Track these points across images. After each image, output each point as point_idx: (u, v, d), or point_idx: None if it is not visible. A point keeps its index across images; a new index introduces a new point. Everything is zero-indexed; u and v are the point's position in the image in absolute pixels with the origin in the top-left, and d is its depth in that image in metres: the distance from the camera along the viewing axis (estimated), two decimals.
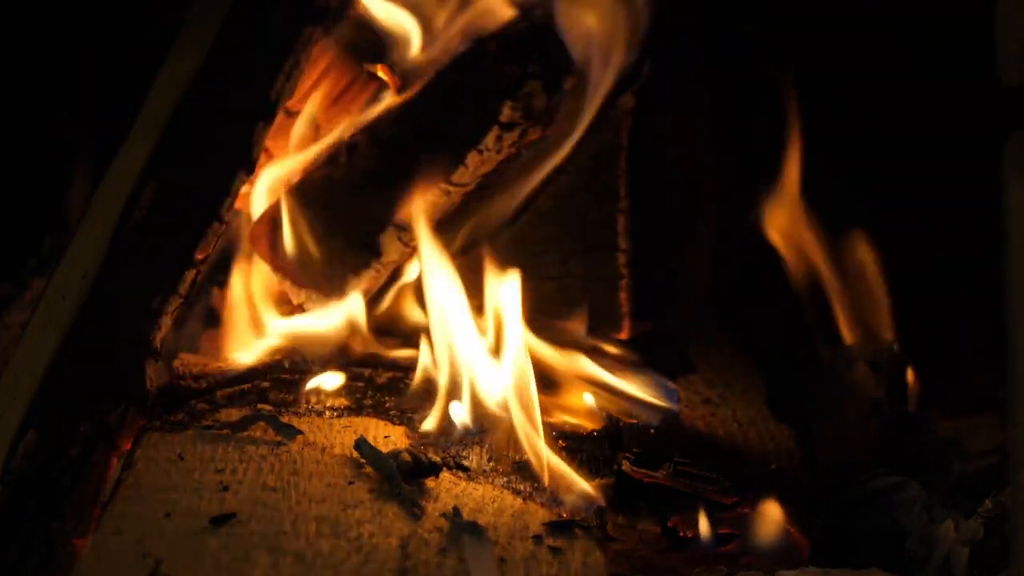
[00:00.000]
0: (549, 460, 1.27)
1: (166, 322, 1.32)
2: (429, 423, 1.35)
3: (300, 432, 1.30)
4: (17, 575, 1.13)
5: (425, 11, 1.52)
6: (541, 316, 1.47)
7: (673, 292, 1.60)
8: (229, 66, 1.40)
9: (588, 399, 1.41)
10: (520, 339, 1.34)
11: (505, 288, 1.37)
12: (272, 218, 1.57)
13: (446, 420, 1.35)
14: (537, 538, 1.14)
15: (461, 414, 1.34)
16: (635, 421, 1.39)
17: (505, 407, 1.32)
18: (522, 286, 1.38)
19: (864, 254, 1.55)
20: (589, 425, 1.38)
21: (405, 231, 1.51)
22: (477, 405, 1.34)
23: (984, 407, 1.45)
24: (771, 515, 1.25)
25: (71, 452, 1.22)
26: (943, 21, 1.52)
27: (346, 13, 1.48)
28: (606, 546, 1.16)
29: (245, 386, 1.44)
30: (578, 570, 1.10)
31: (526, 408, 1.30)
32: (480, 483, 1.25)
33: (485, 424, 1.33)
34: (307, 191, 1.55)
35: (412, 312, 1.58)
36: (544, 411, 1.34)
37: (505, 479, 1.26)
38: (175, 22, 1.43)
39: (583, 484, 1.25)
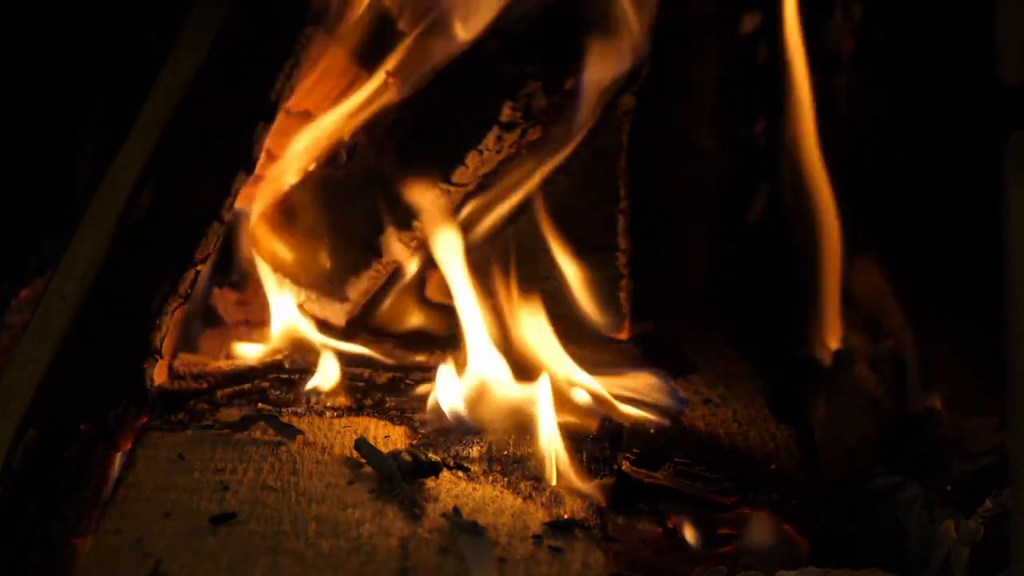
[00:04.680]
0: (557, 460, 1.27)
1: (166, 322, 1.32)
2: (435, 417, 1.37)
3: (300, 432, 1.30)
4: (17, 575, 1.13)
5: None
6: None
7: (673, 292, 1.60)
8: (229, 66, 1.40)
9: (586, 398, 1.41)
10: (547, 334, 1.35)
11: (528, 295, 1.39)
12: (272, 218, 1.57)
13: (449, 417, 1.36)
14: (537, 538, 1.14)
15: (462, 411, 1.35)
16: (636, 421, 1.39)
17: (526, 404, 1.33)
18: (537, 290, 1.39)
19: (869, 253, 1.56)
20: (589, 425, 1.38)
21: (405, 231, 1.51)
22: (490, 402, 1.35)
23: (984, 407, 1.45)
24: (770, 515, 1.25)
25: (71, 452, 1.22)
26: (943, 21, 1.52)
27: (346, 13, 1.48)
28: (606, 546, 1.16)
29: (245, 386, 1.44)
30: (578, 570, 1.10)
31: (545, 406, 1.31)
32: (480, 483, 1.25)
33: (492, 423, 1.33)
34: (307, 191, 1.55)
35: (413, 312, 1.58)
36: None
37: (505, 479, 1.26)
38: (175, 22, 1.43)
39: (582, 484, 1.25)
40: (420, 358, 1.53)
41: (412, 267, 1.55)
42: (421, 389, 1.44)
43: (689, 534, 1.23)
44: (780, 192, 1.61)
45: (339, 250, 1.54)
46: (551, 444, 1.28)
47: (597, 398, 1.41)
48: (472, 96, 1.48)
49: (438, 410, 1.36)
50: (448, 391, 1.37)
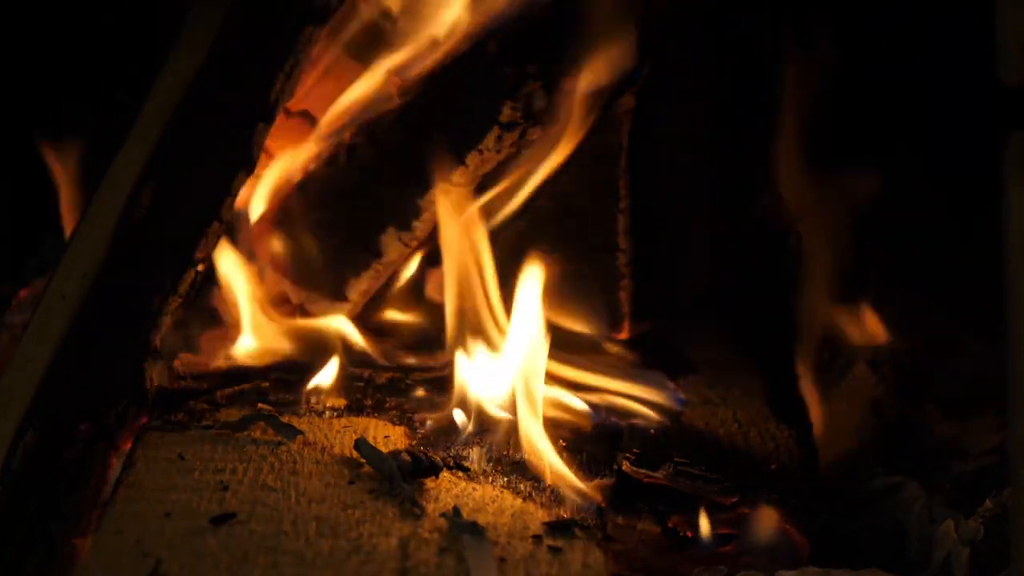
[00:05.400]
0: (551, 460, 1.27)
1: (166, 322, 1.32)
2: (434, 420, 1.36)
3: (300, 432, 1.30)
4: (17, 575, 1.13)
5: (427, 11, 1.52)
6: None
7: (673, 292, 1.60)
8: (229, 66, 1.40)
9: (586, 401, 1.41)
10: (535, 336, 1.34)
11: (524, 284, 1.37)
12: (272, 218, 1.57)
13: (449, 419, 1.35)
14: (537, 538, 1.14)
15: (462, 415, 1.35)
16: (636, 421, 1.39)
17: (509, 406, 1.32)
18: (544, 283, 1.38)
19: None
20: (589, 425, 1.38)
21: (405, 231, 1.51)
22: (480, 405, 1.34)
23: (984, 407, 1.45)
24: (770, 515, 1.25)
25: (71, 452, 1.22)
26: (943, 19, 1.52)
27: (346, 13, 1.48)
28: (606, 546, 1.16)
29: (245, 386, 1.44)
30: (578, 570, 1.10)
31: (531, 407, 1.30)
32: (480, 483, 1.25)
33: (487, 425, 1.33)
34: (307, 191, 1.55)
35: (413, 312, 1.58)
36: (545, 410, 1.35)
37: (505, 479, 1.26)
38: (175, 22, 1.43)
39: (582, 484, 1.25)
40: (420, 358, 1.53)
41: (412, 267, 1.56)
42: (421, 390, 1.44)
43: (703, 527, 1.22)
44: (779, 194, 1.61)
45: (339, 250, 1.54)
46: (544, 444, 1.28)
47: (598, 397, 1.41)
48: (472, 96, 1.47)
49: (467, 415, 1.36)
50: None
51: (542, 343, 1.34)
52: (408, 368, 1.50)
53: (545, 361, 1.33)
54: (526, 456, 1.28)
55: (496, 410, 1.34)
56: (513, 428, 1.31)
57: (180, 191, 1.36)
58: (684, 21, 1.54)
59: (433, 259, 1.57)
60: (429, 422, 1.37)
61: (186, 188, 1.37)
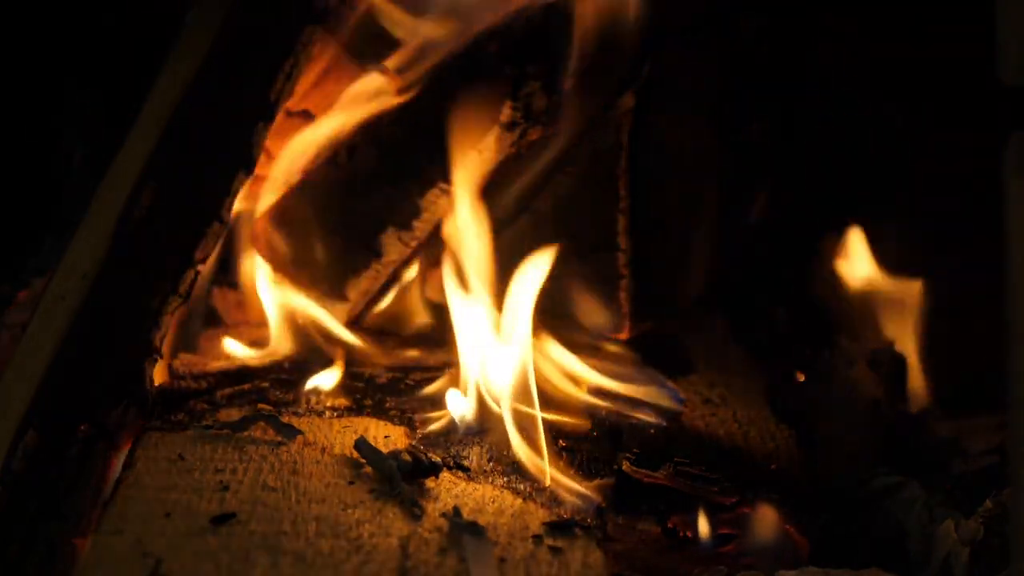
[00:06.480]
0: (548, 460, 1.27)
1: (166, 322, 1.32)
2: (436, 423, 1.36)
3: (300, 432, 1.30)
4: (17, 575, 1.13)
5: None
6: (542, 316, 1.47)
7: (673, 292, 1.60)
8: (229, 66, 1.40)
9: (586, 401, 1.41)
10: (526, 335, 1.34)
11: (521, 282, 1.37)
12: (272, 218, 1.57)
13: (449, 420, 1.35)
14: (537, 538, 1.14)
15: (463, 412, 1.35)
16: (636, 421, 1.39)
17: (505, 405, 1.32)
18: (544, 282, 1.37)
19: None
20: (589, 425, 1.38)
21: (405, 231, 1.51)
22: (480, 404, 1.34)
23: (984, 407, 1.45)
24: (770, 515, 1.25)
25: (71, 452, 1.22)
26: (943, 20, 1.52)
27: (346, 13, 1.48)
28: (606, 546, 1.16)
29: (245, 386, 1.44)
30: (578, 570, 1.10)
31: (526, 407, 1.30)
32: (480, 483, 1.25)
33: (487, 424, 1.33)
34: (307, 191, 1.56)
35: (414, 311, 1.58)
36: (544, 411, 1.35)
37: (505, 479, 1.26)
38: (176, 22, 1.43)
39: (579, 486, 1.24)
40: (420, 358, 1.53)
41: (412, 267, 1.56)
42: (422, 390, 1.44)
43: (703, 527, 1.22)
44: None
45: (339, 250, 1.54)
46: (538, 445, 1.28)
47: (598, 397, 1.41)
48: (472, 96, 1.47)
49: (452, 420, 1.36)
50: (459, 403, 1.36)
51: (530, 341, 1.33)
52: (408, 368, 1.50)
53: (532, 359, 1.33)
54: (521, 460, 1.28)
55: (494, 407, 1.33)
56: (508, 428, 1.31)
57: (180, 191, 1.36)
58: (684, 21, 1.54)
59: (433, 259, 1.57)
60: (429, 422, 1.37)
61: (186, 188, 1.37)
